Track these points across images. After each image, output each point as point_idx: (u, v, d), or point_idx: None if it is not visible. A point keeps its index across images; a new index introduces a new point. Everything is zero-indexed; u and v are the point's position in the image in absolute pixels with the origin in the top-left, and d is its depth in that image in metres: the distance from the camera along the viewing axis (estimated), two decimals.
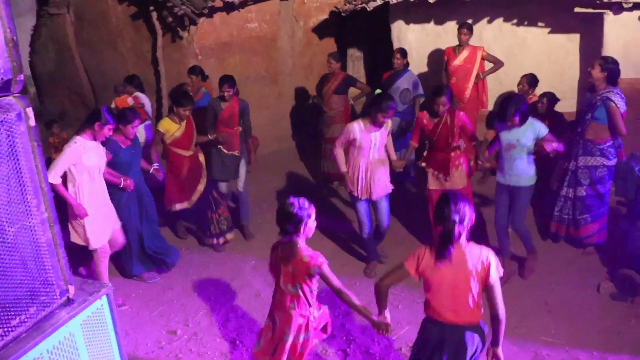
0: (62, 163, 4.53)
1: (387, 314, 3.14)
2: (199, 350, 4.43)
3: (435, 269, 2.93)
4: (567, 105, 6.74)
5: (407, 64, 7.20)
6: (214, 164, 6.13)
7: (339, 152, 5.23)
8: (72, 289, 1.92)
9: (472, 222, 2.94)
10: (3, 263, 1.66)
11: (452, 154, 5.35)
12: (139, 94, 7.52)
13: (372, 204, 5.32)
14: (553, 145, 4.79)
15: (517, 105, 4.76)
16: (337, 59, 7.26)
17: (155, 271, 5.60)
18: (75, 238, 4.83)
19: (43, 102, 10.84)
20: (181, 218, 6.35)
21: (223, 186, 6.28)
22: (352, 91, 7.57)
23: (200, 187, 5.95)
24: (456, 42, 6.91)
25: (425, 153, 5.71)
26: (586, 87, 5.81)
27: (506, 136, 4.93)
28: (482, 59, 6.84)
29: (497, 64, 6.82)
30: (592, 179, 5.30)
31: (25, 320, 1.75)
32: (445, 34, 7.55)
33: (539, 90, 6.37)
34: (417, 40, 7.88)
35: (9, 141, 1.64)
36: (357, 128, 5.06)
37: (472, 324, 2.95)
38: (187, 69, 7.53)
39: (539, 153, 5.02)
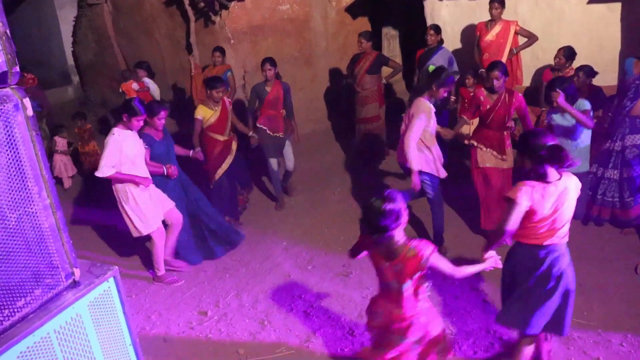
0: (108, 155, 4.72)
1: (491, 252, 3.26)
2: (228, 331, 4.53)
3: (545, 196, 3.15)
4: (608, 79, 6.47)
5: (442, 41, 7.06)
6: (262, 143, 6.41)
7: (415, 146, 4.93)
8: (77, 271, 2.00)
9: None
10: (6, 247, 1.74)
11: (505, 132, 5.25)
12: (146, 79, 7.68)
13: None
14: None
15: (562, 86, 4.71)
16: (368, 38, 7.18)
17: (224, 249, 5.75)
18: (135, 231, 5.06)
19: (86, 90, 11.17)
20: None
21: (273, 162, 6.49)
22: (385, 71, 7.49)
23: (224, 165, 6.05)
24: (489, 18, 6.72)
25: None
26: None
27: (558, 121, 4.98)
28: (516, 33, 6.63)
29: (531, 38, 6.60)
30: None
31: (31, 301, 1.83)
32: (479, 9, 7.33)
33: (576, 63, 6.13)
34: (451, 16, 7.70)
35: (7, 131, 1.71)
36: (430, 107, 4.99)
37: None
38: None
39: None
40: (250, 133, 6.36)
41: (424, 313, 3.12)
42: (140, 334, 4.48)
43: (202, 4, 7.84)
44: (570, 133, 5.05)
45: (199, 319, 4.73)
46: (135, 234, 5.10)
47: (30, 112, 1.77)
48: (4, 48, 1.67)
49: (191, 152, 5.73)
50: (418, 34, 8.54)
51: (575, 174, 4.74)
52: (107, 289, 2.10)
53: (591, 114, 4.97)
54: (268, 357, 4.18)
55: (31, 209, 1.80)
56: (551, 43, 6.62)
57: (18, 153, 1.75)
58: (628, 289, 4.59)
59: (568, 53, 6.11)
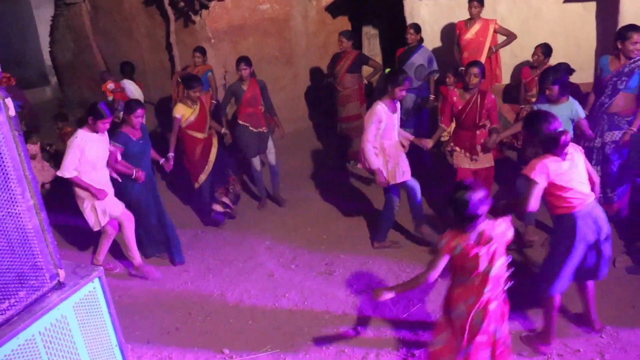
0: (69, 158, 4.78)
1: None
2: (213, 331, 4.52)
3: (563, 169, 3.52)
4: (584, 76, 6.57)
5: (421, 40, 7.10)
6: (243, 142, 6.38)
7: (371, 148, 5.07)
8: (62, 272, 1.99)
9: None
10: None
11: (478, 132, 5.31)
12: (124, 80, 7.66)
13: (403, 186, 5.28)
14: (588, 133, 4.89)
15: (556, 74, 4.73)
16: (348, 37, 7.20)
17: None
18: (96, 224, 5.07)
19: (64, 90, 11.04)
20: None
21: (256, 162, 6.47)
22: (366, 70, 7.52)
23: (208, 167, 6.06)
24: (469, 16, 6.78)
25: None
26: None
27: None
28: (495, 31, 6.70)
29: (510, 36, 6.68)
30: (622, 152, 5.17)
31: (15, 303, 1.82)
32: (459, 8, 7.40)
33: (554, 61, 6.23)
34: (430, 15, 7.76)
35: None
36: (382, 109, 5.03)
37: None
38: None
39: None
40: (223, 130, 6.41)
41: (504, 300, 3.24)
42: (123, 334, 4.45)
43: (182, 4, 7.80)
44: None
45: (184, 319, 4.71)
46: (96, 228, 5.09)
47: (12, 112, 1.75)
48: None
49: (162, 160, 5.73)
50: (398, 33, 8.60)
51: None
52: (92, 290, 2.09)
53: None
54: (253, 357, 4.18)
55: (14, 210, 1.78)
56: (529, 41, 6.70)
57: (0, 154, 1.73)
58: (607, 281, 4.62)
59: (545, 50, 6.22)
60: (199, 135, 5.98)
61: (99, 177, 4.95)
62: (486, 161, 5.39)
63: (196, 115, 5.90)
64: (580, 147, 3.73)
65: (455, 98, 5.32)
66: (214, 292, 5.06)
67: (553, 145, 3.52)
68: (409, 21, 7.76)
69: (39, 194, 1.86)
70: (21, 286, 1.84)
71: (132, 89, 7.63)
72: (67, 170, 4.79)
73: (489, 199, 3.06)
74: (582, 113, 4.81)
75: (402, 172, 5.17)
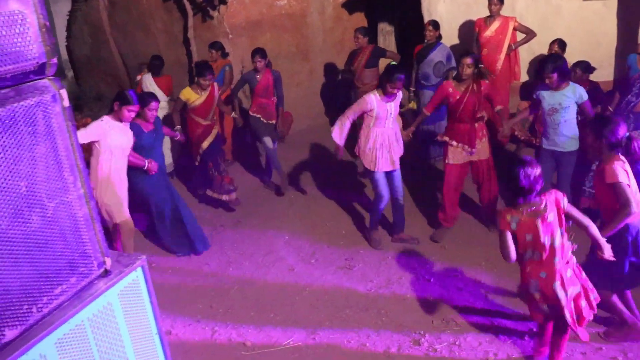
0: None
1: None
2: (234, 324, 4.57)
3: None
4: (605, 74, 6.60)
5: (440, 37, 7.11)
6: (254, 127, 6.69)
7: (347, 124, 5.21)
8: (108, 261, 2.03)
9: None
10: (44, 236, 1.77)
11: (477, 124, 5.30)
12: (145, 75, 7.70)
13: (387, 175, 5.34)
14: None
15: (555, 62, 4.73)
16: (364, 33, 7.22)
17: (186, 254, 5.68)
18: (117, 216, 4.99)
19: (80, 85, 11.10)
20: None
21: (268, 140, 6.64)
22: (383, 64, 7.53)
23: (205, 143, 6.31)
24: (487, 13, 6.79)
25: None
26: (627, 54, 5.65)
27: (548, 100, 4.89)
28: (514, 29, 6.71)
29: (530, 34, 6.68)
30: None
31: (67, 289, 1.86)
32: (476, 5, 7.41)
33: (573, 59, 6.23)
34: (448, 12, 7.77)
35: (46, 121, 1.74)
36: (374, 99, 5.09)
37: None
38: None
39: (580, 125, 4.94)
40: (233, 114, 6.72)
41: (573, 265, 3.37)
42: None
43: None
44: (556, 112, 4.93)
45: (204, 311, 4.76)
46: (116, 220, 4.99)
47: (66, 103, 1.79)
48: (44, 40, 1.70)
49: (175, 134, 5.97)
50: (414, 30, 8.60)
51: (563, 152, 4.92)
52: (135, 279, 2.13)
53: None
54: (275, 349, 4.22)
55: (67, 198, 1.83)
56: (547, 38, 6.70)
57: (55, 143, 1.78)
58: None
59: (561, 44, 6.26)
60: (201, 121, 6.28)
61: (118, 167, 4.88)
62: (482, 153, 5.36)
63: (202, 101, 6.16)
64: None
65: (450, 89, 5.26)
66: (235, 286, 5.10)
67: (622, 151, 3.57)
68: (426, 18, 7.77)
69: (88, 183, 1.91)
70: (72, 272, 1.88)
71: (148, 85, 7.65)
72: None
73: (540, 175, 3.20)
74: (585, 95, 4.80)
75: (390, 161, 5.24)
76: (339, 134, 5.25)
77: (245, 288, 5.06)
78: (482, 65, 6.76)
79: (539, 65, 4.84)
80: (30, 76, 1.71)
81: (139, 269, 2.14)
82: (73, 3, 10.22)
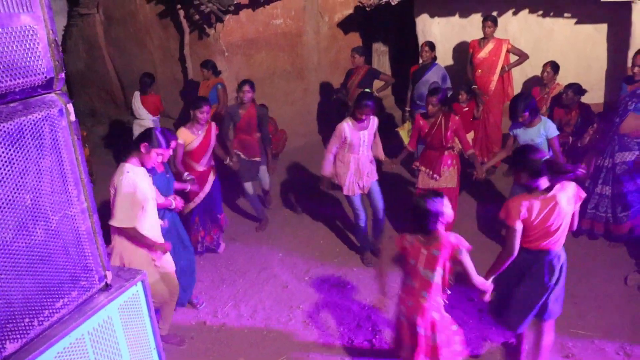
0: (126, 202, 3.71)
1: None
2: (228, 341, 4.55)
3: (534, 208, 3.35)
4: (595, 96, 6.69)
5: (435, 57, 7.21)
6: (239, 168, 6.09)
7: (331, 157, 5.38)
8: (109, 274, 2.03)
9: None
10: (48, 249, 1.77)
11: (445, 152, 5.45)
12: (136, 92, 7.71)
13: (366, 195, 5.50)
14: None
15: (525, 101, 4.92)
16: (360, 52, 7.29)
17: None
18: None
19: (74, 100, 11.10)
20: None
21: (248, 186, 6.23)
22: (377, 84, 7.61)
23: (197, 200, 5.56)
24: (481, 35, 6.89)
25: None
26: (617, 78, 5.76)
27: (522, 137, 5.09)
28: (508, 51, 6.81)
29: (522, 56, 6.78)
30: (632, 174, 5.25)
31: (68, 303, 1.87)
32: (470, 27, 7.53)
33: (565, 82, 6.33)
34: (442, 33, 7.88)
35: (52, 135, 1.75)
36: (347, 127, 5.22)
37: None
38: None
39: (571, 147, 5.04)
40: (227, 161, 5.96)
41: (441, 314, 3.41)
42: None
43: (197, 17, 7.90)
44: None
45: (198, 328, 4.73)
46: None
47: (73, 117, 1.81)
48: (53, 55, 1.72)
49: (188, 185, 5.04)
50: (408, 51, 8.70)
51: None
52: (135, 293, 2.13)
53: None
54: None
55: (70, 211, 1.83)
56: (540, 60, 6.80)
57: (61, 157, 1.79)
58: (619, 300, 4.73)
59: (554, 67, 6.37)
60: (196, 167, 5.44)
61: (153, 223, 4.02)
62: (449, 181, 5.52)
63: (199, 143, 5.34)
64: (573, 188, 3.48)
65: (421, 122, 5.48)
66: (229, 302, 5.09)
67: (547, 171, 3.40)
68: (420, 39, 7.88)
69: (92, 197, 1.92)
70: (74, 286, 1.88)
71: (135, 102, 7.65)
72: (128, 217, 3.77)
73: (444, 215, 3.27)
74: (553, 131, 4.97)
75: (359, 187, 5.41)
76: (327, 167, 5.45)
77: (240, 305, 5.04)
78: (475, 86, 6.86)
79: (511, 105, 5.00)
80: (38, 90, 1.74)
81: (139, 284, 2.15)
82: (69, 18, 10.28)
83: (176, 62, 8.67)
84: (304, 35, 8.83)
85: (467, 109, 7.07)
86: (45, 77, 1.73)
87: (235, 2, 7.60)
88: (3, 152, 1.58)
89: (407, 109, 7.38)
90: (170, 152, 4.11)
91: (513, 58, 6.90)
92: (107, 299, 2.00)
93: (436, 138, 5.38)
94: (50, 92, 1.78)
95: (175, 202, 4.47)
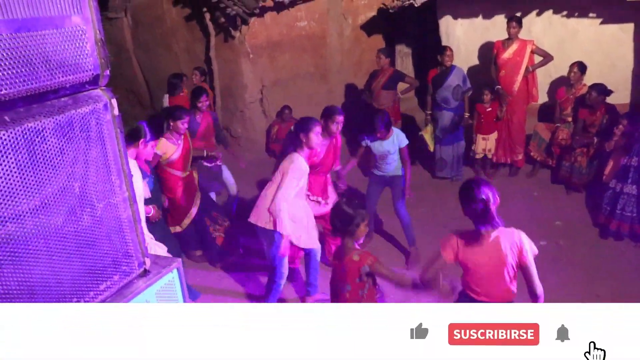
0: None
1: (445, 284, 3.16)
2: None
3: (471, 253, 3.04)
4: (621, 97, 6.67)
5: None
6: (200, 175, 5.77)
7: (285, 208, 4.38)
8: (148, 261, 2.15)
9: (497, 203, 2.99)
10: (93, 234, 1.90)
11: (328, 176, 5.38)
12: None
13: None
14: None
15: (382, 118, 5.22)
16: (386, 54, 7.37)
17: None
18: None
19: None
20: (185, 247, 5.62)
21: (212, 194, 6.16)
22: (401, 86, 7.66)
23: (194, 209, 5.46)
24: (505, 36, 6.91)
25: None
26: None
27: (379, 148, 5.39)
28: (532, 52, 6.82)
29: (546, 57, 6.79)
30: None
31: (111, 285, 1.99)
32: (493, 28, 7.55)
33: (589, 82, 6.34)
34: (466, 35, 7.91)
35: (98, 128, 1.88)
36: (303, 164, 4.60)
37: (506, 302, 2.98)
38: (239, 68, 7.80)
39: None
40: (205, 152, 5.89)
41: None
42: None
43: (222, 20, 8.05)
44: (385, 157, 5.44)
45: None
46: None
47: (116, 111, 1.94)
48: (99, 53, 1.85)
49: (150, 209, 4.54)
50: (431, 52, 8.73)
51: (390, 176, 5.45)
52: (171, 279, 2.24)
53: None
54: None
55: (113, 200, 1.96)
56: (564, 61, 6.81)
57: (105, 148, 1.91)
58: None
59: (581, 67, 6.37)
60: (180, 174, 5.32)
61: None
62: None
63: (179, 154, 5.23)
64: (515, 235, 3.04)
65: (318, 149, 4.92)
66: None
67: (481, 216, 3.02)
68: (444, 40, 7.92)
69: (132, 187, 2.04)
70: (115, 271, 2.01)
71: (164, 104, 7.72)
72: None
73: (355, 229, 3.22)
74: (403, 141, 5.35)
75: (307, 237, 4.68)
76: (289, 225, 4.36)
77: None
78: (499, 87, 6.89)
79: (370, 124, 5.31)
80: (86, 86, 1.86)
81: (175, 271, 2.26)
82: None
83: (201, 65, 8.83)
84: (328, 38, 8.93)
85: (490, 109, 7.09)
86: (93, 73, 1.86)
87: (260, 4, 7.74)
88: (56, 143, 1.71)
89: (428, 112, 7.40)
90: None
91: (537, 59, 6.91)
92: (145, 284, 2.11)
93: (327, 160, 5.13)
94: (96, 88, 1.91)
95: (153, 212, 4.47)
